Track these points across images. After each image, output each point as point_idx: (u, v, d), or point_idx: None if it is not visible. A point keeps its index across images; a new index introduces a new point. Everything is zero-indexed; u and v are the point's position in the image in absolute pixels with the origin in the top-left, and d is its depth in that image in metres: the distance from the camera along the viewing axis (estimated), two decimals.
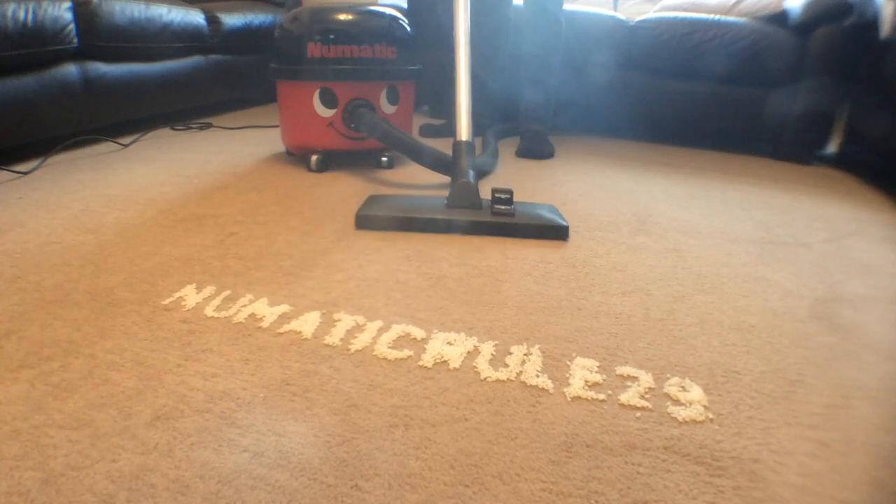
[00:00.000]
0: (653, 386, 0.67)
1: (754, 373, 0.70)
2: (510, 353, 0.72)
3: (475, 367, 0.69)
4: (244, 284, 0.87)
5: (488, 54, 2.01)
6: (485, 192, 1.21)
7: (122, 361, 0.67)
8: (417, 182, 1.46)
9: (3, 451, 0.53)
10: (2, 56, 1.37)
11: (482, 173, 1.53)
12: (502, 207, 1.12)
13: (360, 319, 0.78)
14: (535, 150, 1.84)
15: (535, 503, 0.50)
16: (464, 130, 1.26)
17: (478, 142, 1.96)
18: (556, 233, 1.11)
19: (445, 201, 1.17)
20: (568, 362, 0.71)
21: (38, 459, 0.52)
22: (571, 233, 1.15)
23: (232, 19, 2.29)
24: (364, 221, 1.11)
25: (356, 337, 0.74)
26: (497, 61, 2.06)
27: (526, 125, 1.97)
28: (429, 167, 1.39)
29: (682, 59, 2.02)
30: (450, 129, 2.08)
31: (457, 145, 1.26)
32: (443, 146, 1.44)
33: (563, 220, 1.14)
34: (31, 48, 1.44)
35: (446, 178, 1.47)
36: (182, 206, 1.21)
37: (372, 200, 1.19)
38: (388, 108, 1.52)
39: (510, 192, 1.14)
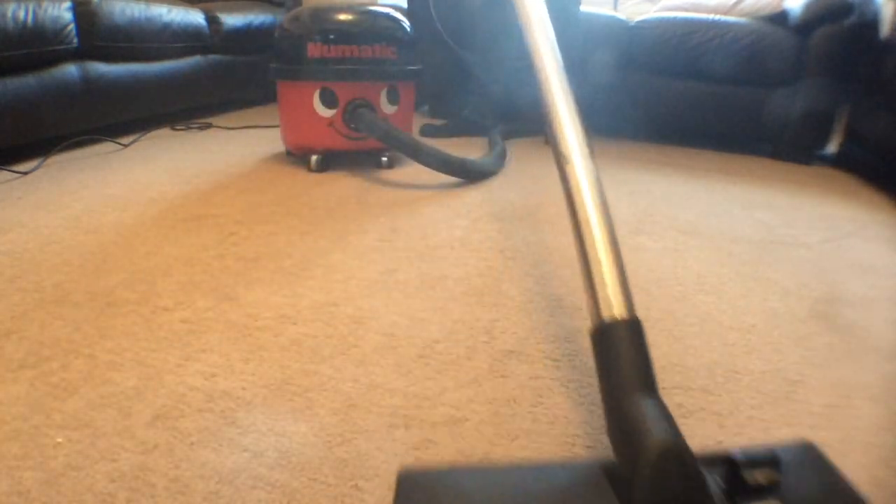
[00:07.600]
0: None
1: (754, 373, 0.70)
2: (510, 352, 0.72)
3: (476, 366, 0.69)
4: (244, 284, 0.87)
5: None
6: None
7: (122, 361, 0.67)
8: (418, 182, 1.46)
9: (3, 451, 0.53)
10: (2, 56, 1.37)
11: (487, 174, 1.52)
12: None
13: (361, 319, 0.78)
14: None
15: None
16: (617, 295, 0.51)
17: (480, 142, 1.97)
18: None
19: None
20: (568, 362, 0.71)
21: (38, 459, 0.52)
22: None
23: (232, 19, 2.29)
24: None
25: (356, 336, 0.74)
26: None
27: None
28: (430, 167, 1.39)
29: (682, 59, 2.02)
30: (451, 130, 2.08)
31: (607, 332, 0.52)
32: (443, 146, 1.44)
33: None
34: (31, 48, 1.44)
35: (449, 179, 1.46)
36: (182, 206, 1.21)
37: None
38: (388, 108, 1.52)
39: (774, 475, 0.40)
